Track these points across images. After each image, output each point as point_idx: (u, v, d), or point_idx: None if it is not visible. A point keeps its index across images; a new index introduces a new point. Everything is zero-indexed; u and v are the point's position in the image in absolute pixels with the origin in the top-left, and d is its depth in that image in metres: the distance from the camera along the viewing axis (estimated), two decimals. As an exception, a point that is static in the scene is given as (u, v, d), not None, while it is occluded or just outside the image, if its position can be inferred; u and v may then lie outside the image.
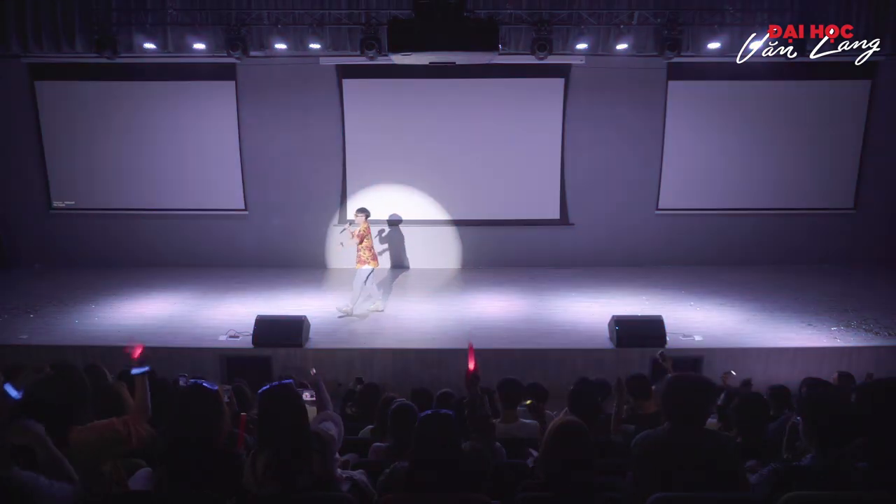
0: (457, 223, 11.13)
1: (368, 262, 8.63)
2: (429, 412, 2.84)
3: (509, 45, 9.37)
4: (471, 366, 3.35)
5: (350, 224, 8.75)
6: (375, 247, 9.15)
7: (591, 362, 7.56)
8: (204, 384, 2.88)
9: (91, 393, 3.11)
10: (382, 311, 8.92)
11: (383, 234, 11.10)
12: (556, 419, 2.76)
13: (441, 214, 11.12)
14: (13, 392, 2.80)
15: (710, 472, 2.69)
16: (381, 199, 11.00)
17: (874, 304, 9.02)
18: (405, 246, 11.23)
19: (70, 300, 9.40)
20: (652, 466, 2.75)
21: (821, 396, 2.92)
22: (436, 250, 11.22)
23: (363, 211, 8.67)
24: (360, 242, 8.57)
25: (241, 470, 2.72)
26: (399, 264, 11.27)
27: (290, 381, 2.87)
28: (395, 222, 11.12)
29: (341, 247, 9.09)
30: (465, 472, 2.76)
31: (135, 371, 3.27)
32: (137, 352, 3.31)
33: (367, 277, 8.64)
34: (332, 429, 2.99)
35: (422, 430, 2.74)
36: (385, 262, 11.17)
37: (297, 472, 2.65)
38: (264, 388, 2.81)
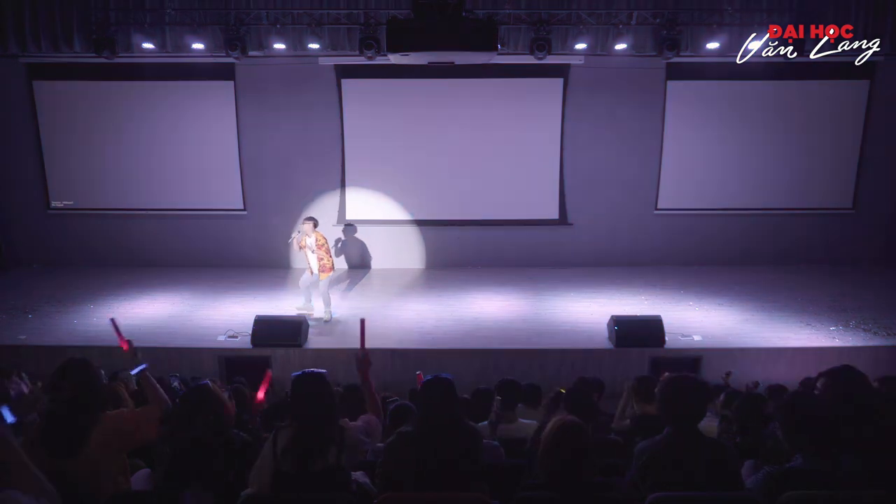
0: (456, 223, 11.12)
1: (331, 270, 8.55)
2: (430, 377, 3.02)
3: (508, 45, 9.37)
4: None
5: (297, 233, 8.57)
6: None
7: (591, 362, 7.57)
8: (197, 383, 2.99)
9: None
10: (311, 314, 8.69)
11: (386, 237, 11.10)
12: (556, 419, 2.76)
13: (440, 214, 11.10)
14: (9, 416, 2.78)
15: (711, 479, 2.72)
16: (379, 199, 11.01)
17: (873, 304, 9.02)
18: (403, 246, 11.22)
19: (68, 300, 9.39)
20: (655, 475, 2.78)
21: (798, 400, 2.95)
22: (434, 250, 11.22)
23: (312, 219, 8.54)
24: (321, 249, 8.43)
25: (246, 447, 2.88)
26: (397, 264, 11.26)
27: (324, 371, 2.99)
28: (393, 223, 11.13)
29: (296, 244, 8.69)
30: (465, 433, 2.93)
31: (133, 371, 3.27)
32: (125, 346, 3.33)
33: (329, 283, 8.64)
34: (362, 430, 3.08)
35: (425, 392, 2.95)
36: (384, 262, 11.19)
37: (313, 457, 2.76)
38: (297, 373, 2.98)
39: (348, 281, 10.56)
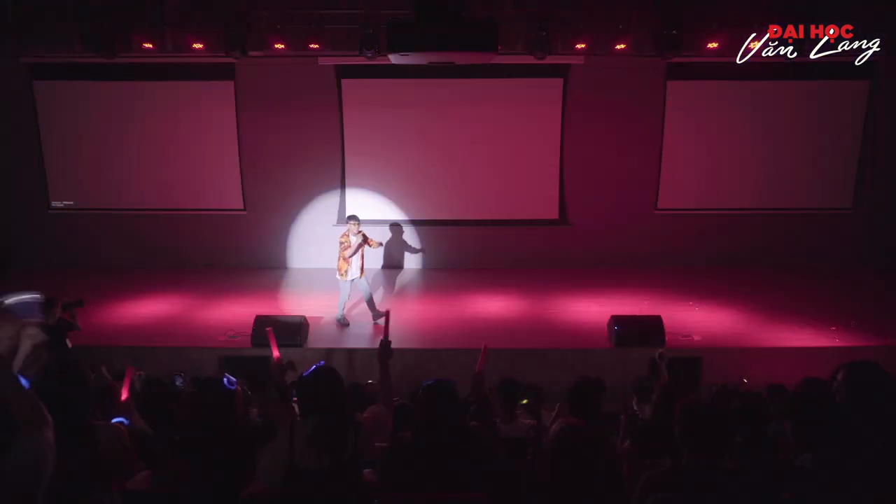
0: (456, 223, 11.12)
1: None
2: (430, 381, 2.98)
3: (508, 45, 9.34)
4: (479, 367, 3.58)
5: (366, 238, 8.49)
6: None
7: (591, 362, 7.56)
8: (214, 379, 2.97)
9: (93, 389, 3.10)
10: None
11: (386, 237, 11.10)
12: (559, 422, 2.76)
13: (440, 214, 11.10)
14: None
15: None
16: (379, 200, 11.00)
17: (873, 304, 9.03)
18: (403, 246, 11.22)
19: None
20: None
21: (811, 396, 2.90)
22: (434, 250, 11.21)
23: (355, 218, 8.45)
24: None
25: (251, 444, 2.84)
26: (397, 264, 11.26)
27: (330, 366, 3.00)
28: (394, 223, 11.12)
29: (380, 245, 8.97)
30: (468, 442, 2.87)
31: (115, 420, 3.21)
32: (125, 394, 3.34)
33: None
34: (371, 422, 3.09)
35: (425, 399, 2.90)
36: (384, 262, 11.19)
37: (331, 450, 2.75)
38: (310, 369, 2.97)
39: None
